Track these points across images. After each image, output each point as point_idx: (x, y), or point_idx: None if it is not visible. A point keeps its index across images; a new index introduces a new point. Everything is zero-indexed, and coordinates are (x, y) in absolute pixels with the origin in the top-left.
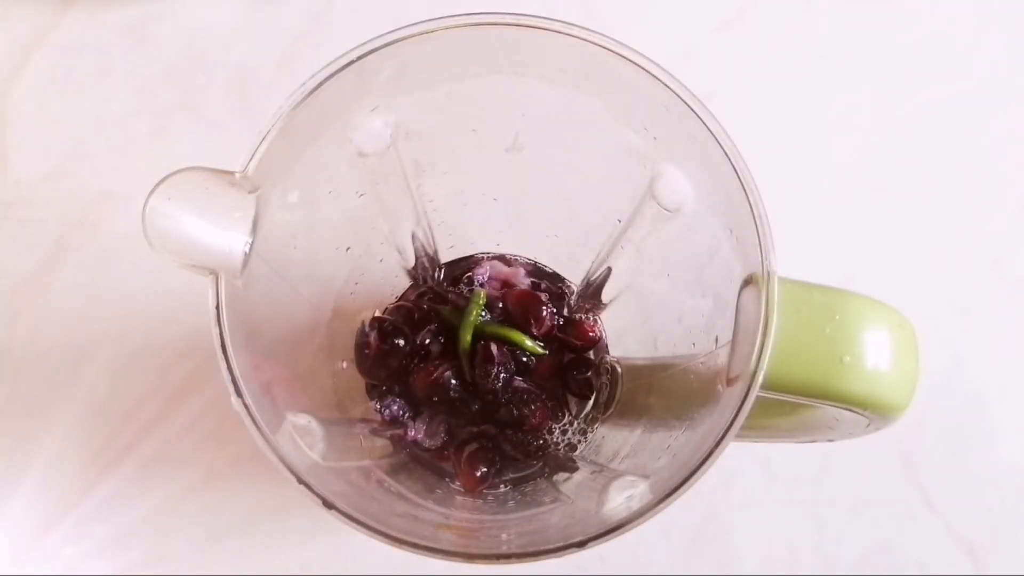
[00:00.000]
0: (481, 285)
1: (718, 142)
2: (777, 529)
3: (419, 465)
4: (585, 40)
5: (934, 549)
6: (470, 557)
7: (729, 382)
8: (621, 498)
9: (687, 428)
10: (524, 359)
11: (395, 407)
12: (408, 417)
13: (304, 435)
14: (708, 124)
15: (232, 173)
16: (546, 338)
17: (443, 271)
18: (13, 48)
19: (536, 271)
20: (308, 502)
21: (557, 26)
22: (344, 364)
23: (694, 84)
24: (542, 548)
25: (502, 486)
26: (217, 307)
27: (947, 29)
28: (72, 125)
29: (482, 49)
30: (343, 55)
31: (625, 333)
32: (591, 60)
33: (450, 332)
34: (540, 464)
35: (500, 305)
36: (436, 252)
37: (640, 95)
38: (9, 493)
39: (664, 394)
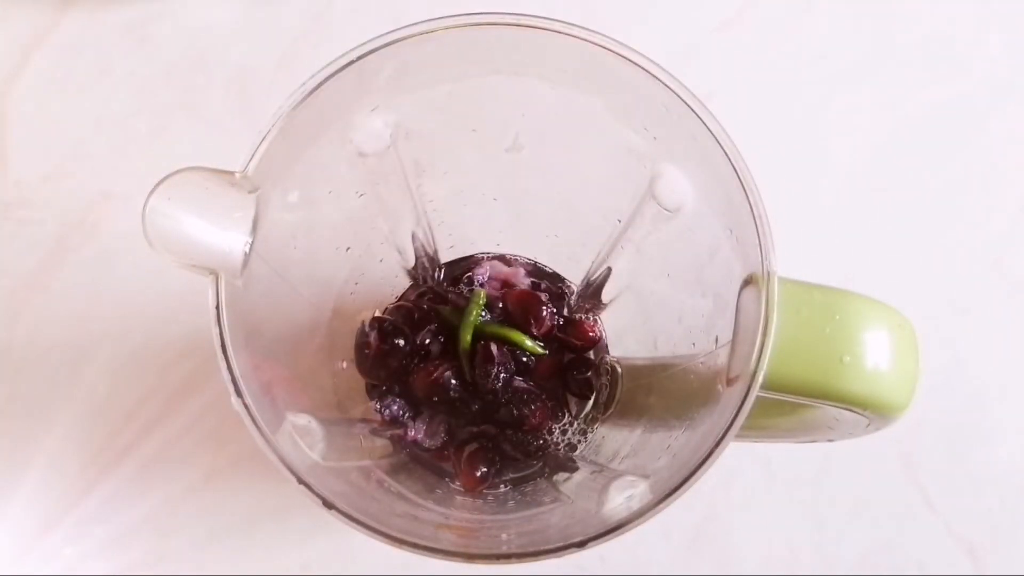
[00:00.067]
0: (481, 285)
1: (718, 142)
2: (777, 529)
3: (419, 465)
4: (585, 40)
5: (934, 549)
6: (470, 557)
7: (729, 382)
8: (621, 498)
9: (687, 428)
10: (524, 359)
11: (395, 407)
12: (408, 417)
13: (304, 435)
14: (708, 124)
15: (232, 173)
16: (546, 338)
17: (443, 271)
18: (13, 48)
19: (536, 271)
20: (308, 502)
21: (557, 26)
22: (344, 364)
23: (694, 84)
24: (542, 548)
25: (502, 486)
26: (217, 307)
27: (947, 29)
28: (72, 125)
29: (482, 49)
30: (343, 55)
31: (625, 333)
32: (591, 60)
33: (450, 332)
34: (540, 464)
35: (500, 305)
36: (436, 252)
37: (640, 95)
38: (9, 493)
39: (664, 394)
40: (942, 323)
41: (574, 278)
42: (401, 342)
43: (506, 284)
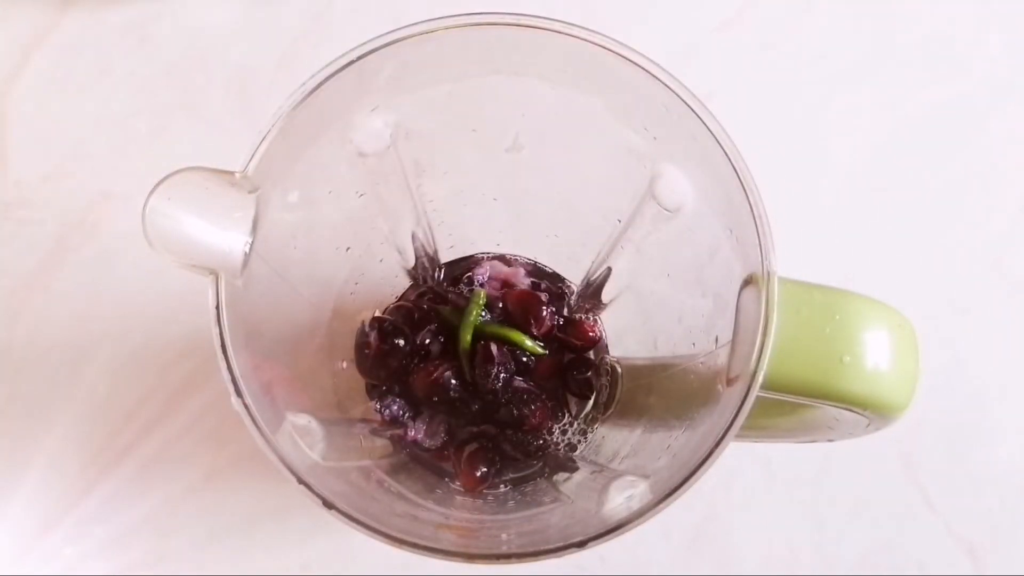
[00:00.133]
0: (481, 285)
1: (718, 142)
2: (777, 529)
3: (419, 465)
4: (585, 40)
5: (934, 549)
6: (470, 557)
7: (729, 382)
8: (621, 498)
9: (687, 428)
10: (524, 359)
11: (395, 407)
12: (408, 417)
13: (304, 435)
14: (708, 124)
15: (232, 173)
16: (546, 338)
17: (443, 271)
18: (13, 48)
19: (536, 271)
20: (308, 502)
21: (557, 26)
22: (344, 364)
23: (694, 84)
24: (542, 548)
25: (502, 486)
26: (217, 307)
27: (947, 29)
28: (72, 125)
29: (482, 49)
30: (343, 55)
31: (625, 333)
32: (591, 60)
33: (450, 332)
34: (540, 464)
35: (500, 305)
36: (436, 252)
37: (640, 95)
38: (9, 493)
39: (664, 394)
40: (942, 323)
41: (574, 278)
42: (401, 342)
43: (506, 284)
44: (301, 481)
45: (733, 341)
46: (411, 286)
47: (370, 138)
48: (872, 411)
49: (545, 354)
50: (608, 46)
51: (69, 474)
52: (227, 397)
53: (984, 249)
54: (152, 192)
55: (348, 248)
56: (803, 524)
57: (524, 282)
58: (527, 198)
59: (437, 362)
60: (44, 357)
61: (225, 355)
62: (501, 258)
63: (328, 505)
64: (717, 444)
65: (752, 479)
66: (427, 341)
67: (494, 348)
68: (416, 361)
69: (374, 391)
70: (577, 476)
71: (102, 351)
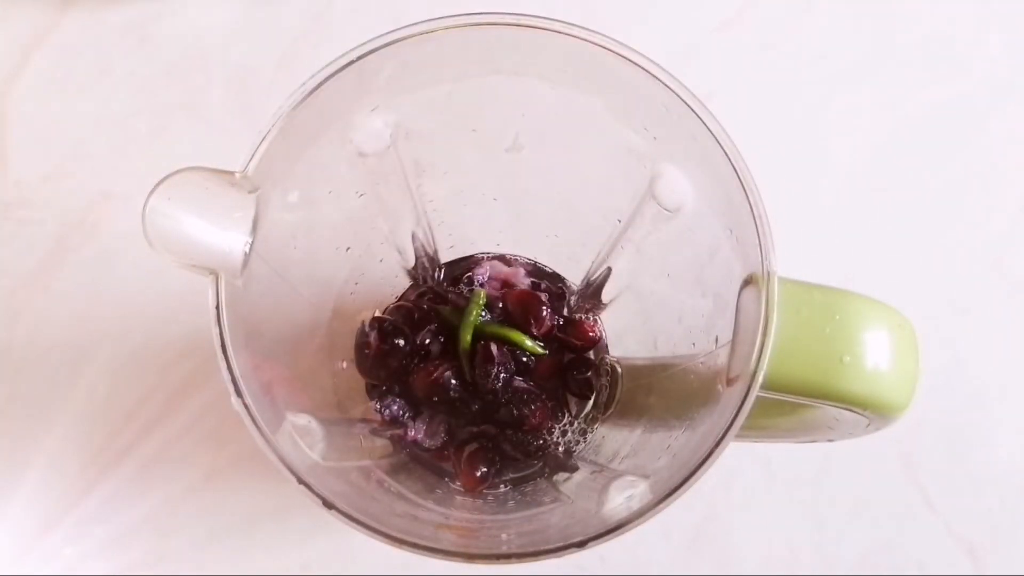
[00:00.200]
0: (481, 285)
1: (718, 142)
2: (777, 529)
3: (419, 465)
4: (585, 40)
5: (934, 549)
6: (470, 557)
7: (729, 382)
8: (621, 498)
9: (687, 428)
10: (524, 359)
11: (395, 407)
12: (408, 417)
13: (304, 435)
14: (708, 124)
15: (232, 173)
16: (546, 338)
17: (443, 271)
18: (13, 48)
19: (536, 271)
20: (308, 502)
21: (557, 26)
22: (344, 364)
23: (694, 84)
24: (542, 548)
25: (502, 486)
26: (217, 307)
27: (947, 29)
28: (72, 125)
29: (482, 49)
30: (343, 55)
31: (625, 333)
32: (591, 60)
33: (450, 332)
34: (540, 464)
35: (500, 305)
36: (436, 252)
37: (640, 95)
38: (9, 493)
39: (664, 394)
40: (942, 323)
41: (574, 278)
42: (401, 342)
43: (506, 284)
44: (301, 481)
45: (733, 341)
46: (411, 286)
47: (370, 138)
48: (872, 411)
49: (545, 354)
50: (608, 46)
51: (69, 474)
52: (227, 397)
53: (984, 249)
54: (152, 192)
55: (348, 248)
56: (803, 524)
57: (524, 282)
58: (527, 198)
59: (437, 362)
60: (44, 357)
61: (225, 355)
62: (501, 258)
63: (328, 505)
64: (717, 444)
65: (752, 479)
66: (427, 341)
67: (494, 348)
68: (416, 361)
69: (374, 391)
70: (577, 476)
71: (102, 351)
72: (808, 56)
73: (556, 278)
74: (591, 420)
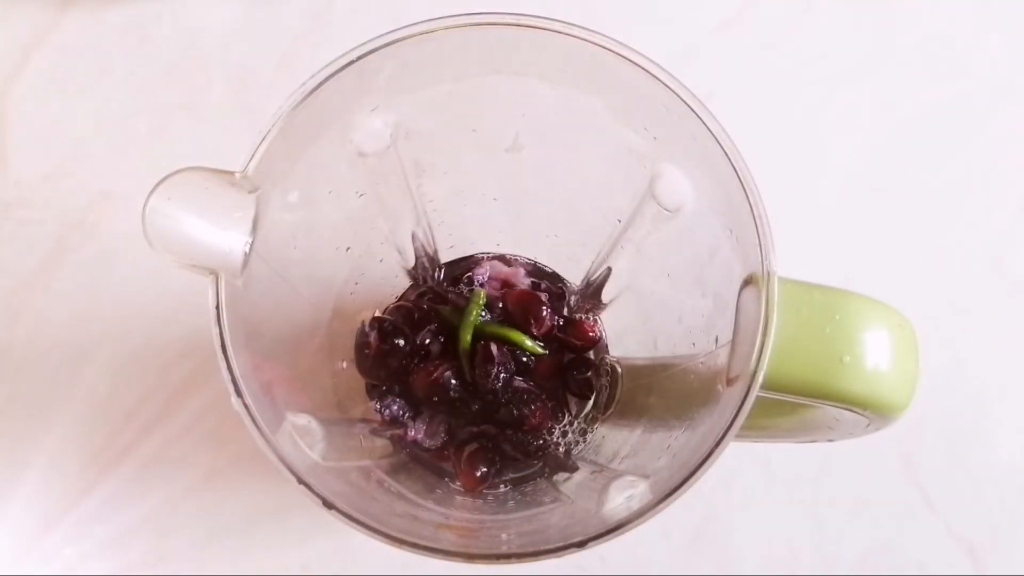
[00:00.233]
0: (481, 285)
1: (718, 142)
2: (777, 529)
3: (419, 465)
4: (585, 40)
5: (934, 549)
6: (470, 557)
7: (729, 382)
8: (621, 498)
9: (687, 428)
10: (524, 359)
11: (395, 407)
12: (408, 417)
13: (304, 435)
14: (708, 124)
15: (232, 173)
16: (546, 338)
17: (443, 271)
18: (13, 48)
19: (536, 271)
20: (308, 502)
21: (557, 26)
22: (344, 364)
23: (694, 84)
24: (542, 548)
25: (502, 486)
26: (217, 307)
27: (947, 29)
28: (72, 125)
29: (482, 49)
30: (343, 55)
31: (625, 333)
32: (591, 60)
33: (450, 332)
34: (540, 464)
35: (500, 305)
36: (436, 252)
37: (640, 95)
38: (9, 493)
39: (664, 394)
40: (942, 323)
41: (574, 278)
42: (401, 342)
43: (506, 284)
44: (301, 481)
45: (733, 341)
46: (411, 286)
47: (370, 138)
48: (872, 411)
49: (545, 354)
50: (608, 46)
51: (69, 474)
52: (227, 397)
53: (984, 249)
54: (152, 192)
55: (348, 248)
56: (803, 524)
57: (524, 282)
58: (527, 198)
59: (437, 362)
60: (44, 357)
61: (225, 355)
62: (501, 258)
63: (328, 505)
64: (717, 444)
65: (752, 479)
66: (427, 341)
67: (494, 348)
68: (416, 361)
69: (374, 391)
70: (577, 476)
71: (102, 351)
72: (808, 56)
73: (556, 278)
74: (591, 420)
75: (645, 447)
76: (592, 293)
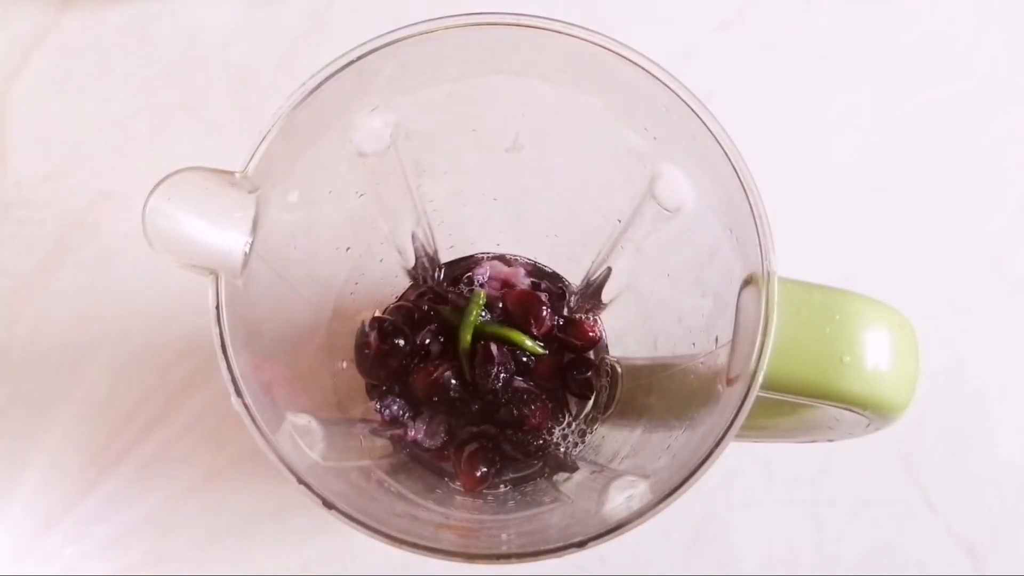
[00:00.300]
0: (481, 285)
1: (718, 142)
2: (777, 529)
3: (419, 465)
4: (585, 40)
5: (934, 549)
6: (470, 557)
7: (729, 382)
8: (621, 498)
9: (687, 428)
10: (524, 359)
11: (395, 407)
12: (408, 417)
13: (304, 435)
14: (708, 124)
15: (232, 173)
16: (546, 338)
17: (443, 271)
18: (13, 48)
19: (536, 271)
20: (308, 502)
21: (557, 26)
22: (344, 364)
23: (694, 84)
24: (542, 548)
25: (502, 486)
26: (217, 307)
27: (947, 29)
28: (72, 125)
29: (482, 49)
30: (343, 55)
31: (625, 333)
32: (591, 60)
33: (450, 332)
34: (540, 464)
35: (500, 305)
36: (436, 252)
37: (640, 95)
38: (9, 493)
39: (664, 394)
40: (942, 323)
41: (574, 278)
42: (401, 342)
43: (506, 284)
44: (301, 481)
45: (733, 341)
46: (411, 286)
47: (370, 138)
48: (872, 411)
49: (545, 354)
50: (608, 46)
51: (69, 474)
52: (227, 397)
53: (984, 249)
54: (152, 192)
55: (348, 248)
56: (803, 524)
57: (524, 282)
58: (527, 198)
59: (437, 362)
60: (44, 357)
61: (225, 355)
62: (501, 258)
63: (328, 505)
64: (717, 444)
65: (752, 479)
66: (427, 341)
67: (494, 348)
68: (416, 361)
69: (374, 391)
70: (577, 476)
71: (102, 351)
72: (808, 56)
73: (556, 278)
74: (591, 420)
75: (645, 447)
76: (592, 293)
